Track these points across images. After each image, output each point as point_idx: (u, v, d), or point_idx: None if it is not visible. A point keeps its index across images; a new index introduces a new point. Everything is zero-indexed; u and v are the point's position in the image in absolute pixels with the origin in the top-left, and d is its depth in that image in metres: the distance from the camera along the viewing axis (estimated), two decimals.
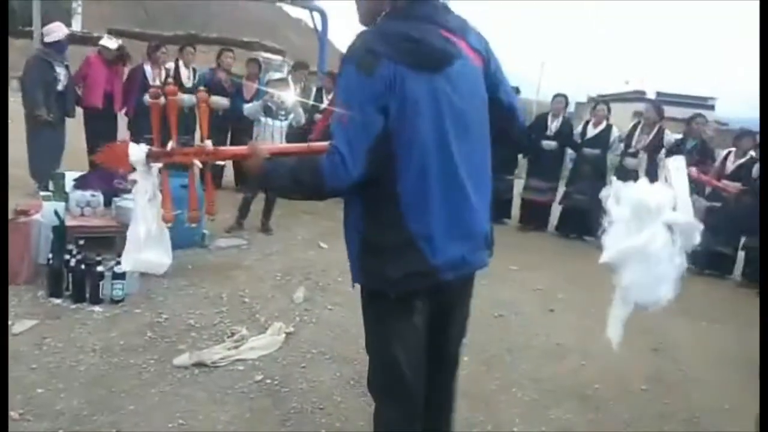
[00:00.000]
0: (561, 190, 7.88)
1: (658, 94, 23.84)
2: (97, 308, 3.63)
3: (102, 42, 6.79)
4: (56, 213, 4.02)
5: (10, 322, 3.28)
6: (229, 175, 7.82)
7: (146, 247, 2.19)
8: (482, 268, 1.88)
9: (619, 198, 2.06)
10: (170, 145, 2.19)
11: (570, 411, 3.15)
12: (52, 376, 2.85)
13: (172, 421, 2.62)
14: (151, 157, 2.12)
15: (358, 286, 1.90)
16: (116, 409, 2.66)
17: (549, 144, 7.44)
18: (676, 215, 1.99)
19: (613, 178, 2.19)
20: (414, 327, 1.82)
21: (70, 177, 4.53)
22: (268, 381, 3.06)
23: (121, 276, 3.74)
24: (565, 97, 7.88)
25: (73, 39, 7.28)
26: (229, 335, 3.49)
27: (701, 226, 2.00)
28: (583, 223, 7.18)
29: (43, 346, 3.12)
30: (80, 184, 4.45)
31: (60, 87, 6.24)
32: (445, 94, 1.67)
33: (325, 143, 1.75)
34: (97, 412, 2.62)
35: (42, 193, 4.40)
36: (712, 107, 21.50)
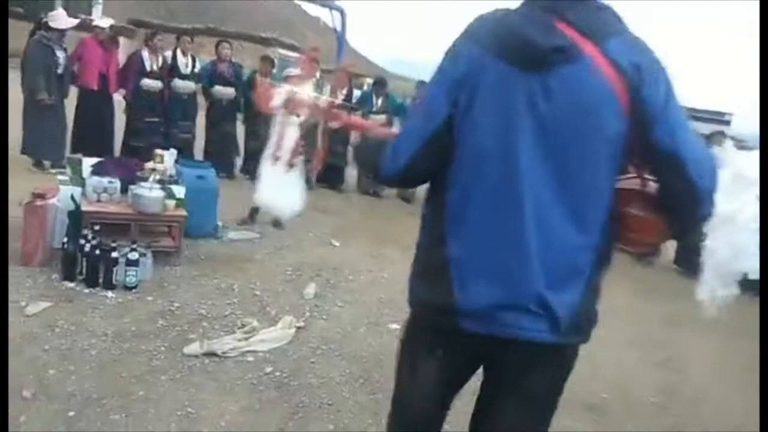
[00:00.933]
0: None
1: None
2: (110, 294, 3.65)
3: (95, 22, 6.93)
4: (72, 198, 4.05)
5: (23, 303, 3.31)
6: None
7: (277, 188, 2.24)
8: (534, 341, 1.37)
9: (725, 162, 1.85)
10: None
11: (577, 420, 3.13)
12: (64, 358, 2.87)
13: (180, 409, 2.63)
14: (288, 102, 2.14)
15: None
16: (126, 394, 2.67)
17: None
18: None
19: (729, 141, 2.12)
20: (430, 363, 1.53)
21: (87, 162, 4.55)
22: (278, 374, 3.06)
23: (135, 263, 3.76)
24: None
25: (86, 27, 7.41)
26: (240, 326, 3.49)
27: None
28: None
29: (56, 328, 3.13)
30: (98, 170, 4.46)
31: (60, 70, 6.45)
32: (534, 99, 1.30)
33: None
34: (107, 396, 2.63)
35: (59, 177, 4.43)
36: (728, 123, 21.32)
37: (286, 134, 2.16)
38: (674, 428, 3.25)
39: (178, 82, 7.34)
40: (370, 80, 9.70)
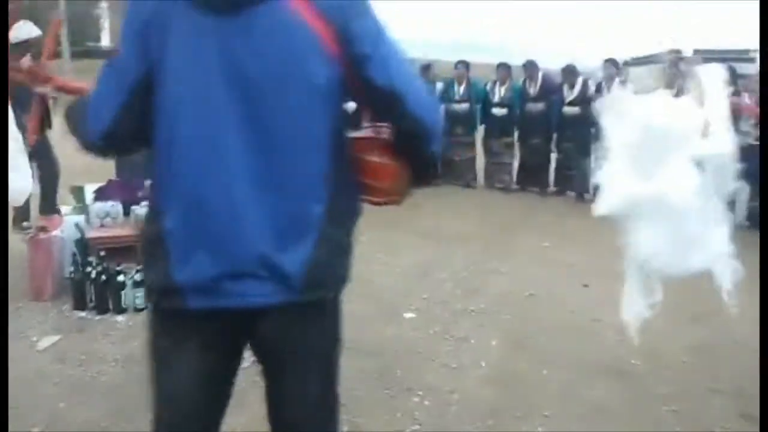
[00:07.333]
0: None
1: (695, 51, 22.84)
2: (120, 318, 3.65)
3: None
4: (77, 226, 4.06)
5: (34, 338, 3.32)
6: None
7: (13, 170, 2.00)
8: (270, 306, 1.27)
9: (623, 115, 1.43)
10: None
11: (610, 389, 3.02)
12: (74, 389, 2.86)
13: None
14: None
15: None
16: (137, 419, 2.63)
17: None
18: (709, 146, 1.42)
19: (616, 87, 1.74)
20: (184, 355, 1.36)
21: (89, 189, 4.56)
22: None
23: (142, 284, 3.75)
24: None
25: (101, 53, 7.47)
26: None
27: (738, 164, 1.48)
28: None
29: (66, 360, 3.13)
30: (100, 195, 4.47)
31: None
32: (229, 48, 1.18)
33: None
34: (118, 422, 2.61)
35: (62, 207, 4.45)
36: (752, 60, 20.48)
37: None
38: (711, 387, 3.09)
39: None
40: None
